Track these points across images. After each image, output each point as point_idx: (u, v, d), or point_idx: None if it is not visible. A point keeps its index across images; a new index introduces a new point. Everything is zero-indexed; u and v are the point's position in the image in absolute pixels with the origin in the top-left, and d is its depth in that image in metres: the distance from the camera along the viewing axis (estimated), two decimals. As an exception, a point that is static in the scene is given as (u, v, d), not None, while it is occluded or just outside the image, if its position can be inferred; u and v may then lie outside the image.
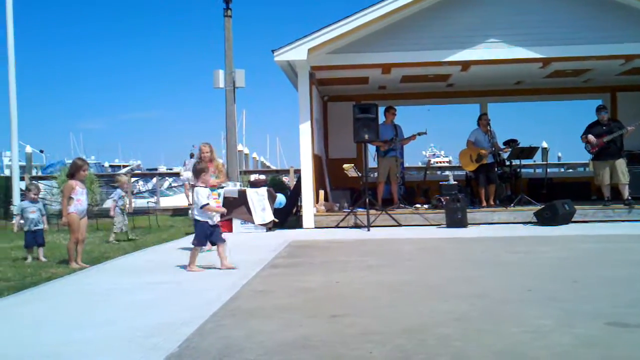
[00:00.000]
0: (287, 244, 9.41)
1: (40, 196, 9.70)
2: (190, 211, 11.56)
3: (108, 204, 19.19)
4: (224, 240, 7.13)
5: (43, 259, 8.55)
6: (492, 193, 12.85)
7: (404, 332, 3.99)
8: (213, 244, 7.18)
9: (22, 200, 16.77)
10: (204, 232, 7.03)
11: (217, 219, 7.19)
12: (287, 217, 12.80)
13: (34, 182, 13.44)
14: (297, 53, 11.62)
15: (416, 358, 3.45)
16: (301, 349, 3.69)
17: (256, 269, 6.90)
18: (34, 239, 8.71)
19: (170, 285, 6.10)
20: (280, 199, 12.37)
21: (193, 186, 9.10)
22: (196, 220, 7.15)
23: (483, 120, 13.05)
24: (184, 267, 7.04)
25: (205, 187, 7.15)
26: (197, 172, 7.25)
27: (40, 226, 8.81)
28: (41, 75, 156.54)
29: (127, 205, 11.64)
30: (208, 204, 7.00)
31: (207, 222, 7.04)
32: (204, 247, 7.31)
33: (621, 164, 11.92)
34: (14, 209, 9.87)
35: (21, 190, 17.52)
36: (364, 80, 14.44)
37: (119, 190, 11.76)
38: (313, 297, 5.31)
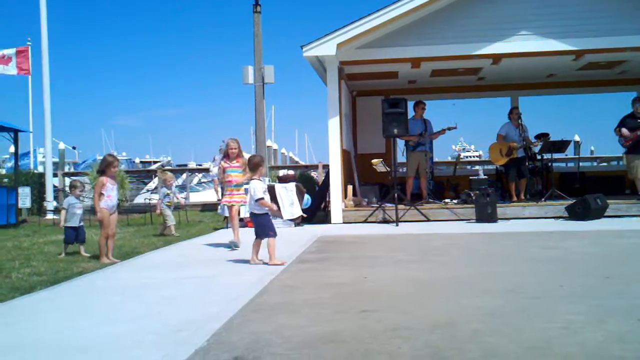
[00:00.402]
0: (315, 239, 9.41)
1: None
2: (219, 207, 11.67)
3: (139, 199, 19.51)
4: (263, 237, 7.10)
5: (85, 254, 8.61)
6: (523, 188, 12.73)
7: (434, 327, 3.95)
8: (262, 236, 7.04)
9: (55, 196, 17.14)
10: (269, 222, 6.96)
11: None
12: (315, 212, 12.80)
13: (78, 179, 13.68)
14: (326, 48, 11.62)
15: (446, 353, 3.41)
16: (330, 343, 3.67)
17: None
18: (76, 235, 8.79)
19: (199, 280, 6.14)
20: (307, 198, 12.39)
21: (221, 181, 9.18)
22: (255, 214, 7.00)
23: (514, 114, 12.92)
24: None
25: (262, 181, 7.08)
26: (255, 165, 7.04)
27: (82, 222, 8.94)
28: (73, 72, 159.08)
29: (175, 201, 11.83)
30: (263, 198, 6.89)
31: (267, 213, 6.98)
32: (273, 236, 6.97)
33: (656, 157, 11.70)
34: (63, 203, 10.05)
35: (54, 186, 17.84)
36: (393, 75, 14.37)
37: (164, 189, 11.96)
38: (342, 292, 5.29)
